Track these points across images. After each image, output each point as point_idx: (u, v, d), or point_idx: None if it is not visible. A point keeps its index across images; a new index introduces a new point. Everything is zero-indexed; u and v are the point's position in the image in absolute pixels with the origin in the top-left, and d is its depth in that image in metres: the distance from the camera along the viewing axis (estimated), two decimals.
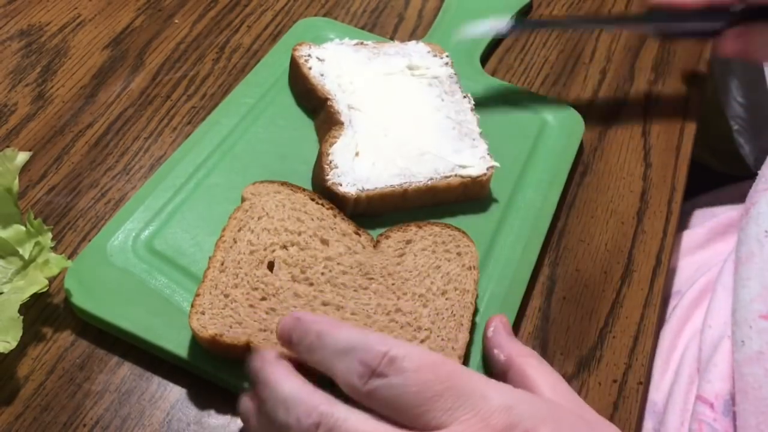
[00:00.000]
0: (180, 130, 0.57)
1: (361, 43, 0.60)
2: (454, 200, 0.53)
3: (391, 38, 0.67)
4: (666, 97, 0.66)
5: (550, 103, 0.62)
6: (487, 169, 0.53)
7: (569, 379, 0.48)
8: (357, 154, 0.52)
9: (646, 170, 0.60)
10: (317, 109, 0.56)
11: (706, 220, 0.63)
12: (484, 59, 0.66)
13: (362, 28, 0.67)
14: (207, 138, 0.54)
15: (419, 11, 0.70)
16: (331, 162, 0.51)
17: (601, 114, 0.64)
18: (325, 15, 0.68)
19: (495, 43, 0.68)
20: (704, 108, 0.67)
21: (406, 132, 0.54)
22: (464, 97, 0.57)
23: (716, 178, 0.71)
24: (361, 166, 0.52)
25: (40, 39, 0.62)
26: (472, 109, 0.56)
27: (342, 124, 0.53)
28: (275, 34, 0.66)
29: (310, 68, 0.57)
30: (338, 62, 0.58)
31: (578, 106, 0.63)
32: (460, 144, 0.54)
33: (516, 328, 0.49)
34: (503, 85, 0.63)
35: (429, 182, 0.52)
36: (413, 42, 0.61)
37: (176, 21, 0.65)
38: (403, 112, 0.55)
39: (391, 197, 0.51)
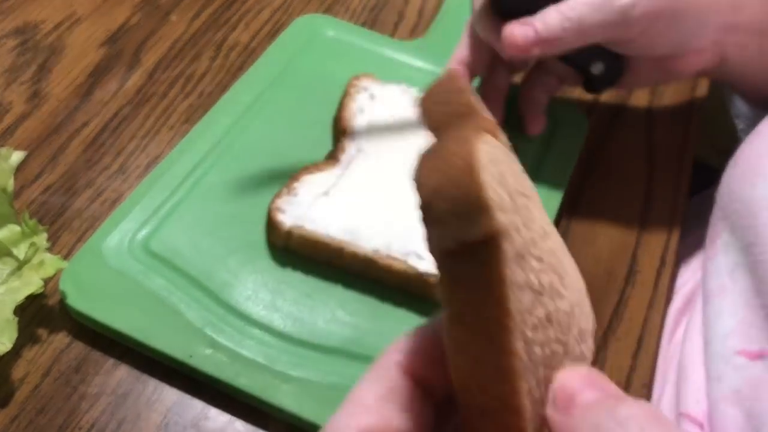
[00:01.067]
0: (177, 128, 0.57)
1: None
2: (397, 286, 0.47)
3: (391, 36, 0.66)
4: (669, 96, 0.65)
5: (553, 103, 0.61)
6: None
7: None
8: (326, 193, 0.49)
9: (650, 170, 0.59)
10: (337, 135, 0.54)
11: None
12: None
13: (362, 25, 0.67)
14: (204, 137, 0.54)
15: (419, 9, 0.69)
16: (293, 188, 0.49)
17: (604, 114, 0.63)
18: (324, 12, 0.67)
19: None
20: (708, 107, 0.66)
21: (396, 196, 0.47)
22: None
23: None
24: (320, 206, 0.48)
25: (35, 37, 0.61)
26: None
27: (338, 162, 0.51)
28: (273, 31, 0.65)
29: (354, 101, 0.55)
30: (386, 103, 0.55)
31: (581, 106, 0.63)
32: None
33: None
34: None
35: (370, 254, 0.46)
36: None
37: (173, 18, 0.65)
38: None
39: (325, 250, 0.47)
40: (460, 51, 0.55)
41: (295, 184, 0.49)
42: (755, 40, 0.51)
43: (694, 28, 0.49)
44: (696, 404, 0.44)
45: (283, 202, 0.48)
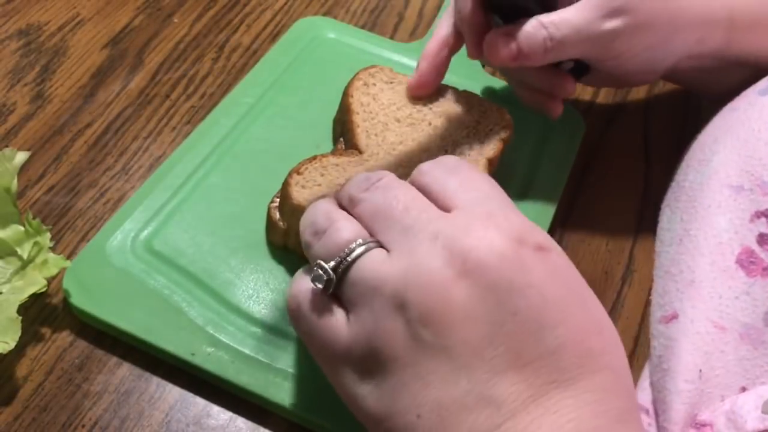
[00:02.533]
0: (179, 129, 0.57)
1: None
2: None
3: (391, 38, 0.67)
4: (666, 95, 0.66)
5: None
6: None
7: None
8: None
9: (647, 169, 0.59)
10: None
11: None
12: None
13: (362, 27, 0.67)
14: (206, 138, 0.54)
15: (419, 11, 0.70)
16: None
17: (601, 113, 0.64)
18: (324, 14, 0.68)
19: None
20: (705, 106, 0.67)
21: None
22: None
23: None
24: None
25: (38, 38, 0.62)
26: None
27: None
28: (275, 33, 0.66)
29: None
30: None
31: (578, 106, 0.63)
32: None
33: None
34: (504, 85, 0.63)
35: None
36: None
37: (175, 20, 0.65)
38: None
39: None
40: (442, 30, 0.55)
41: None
42: (713, 63, 0.54)
43: (661, 56, 0.52)
44: (642, 391, 0.45)
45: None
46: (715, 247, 0.44)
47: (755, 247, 0.42)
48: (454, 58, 0.60)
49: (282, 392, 0.43)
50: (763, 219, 0.43)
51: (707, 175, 0.47)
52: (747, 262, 0.42)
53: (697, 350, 0.41)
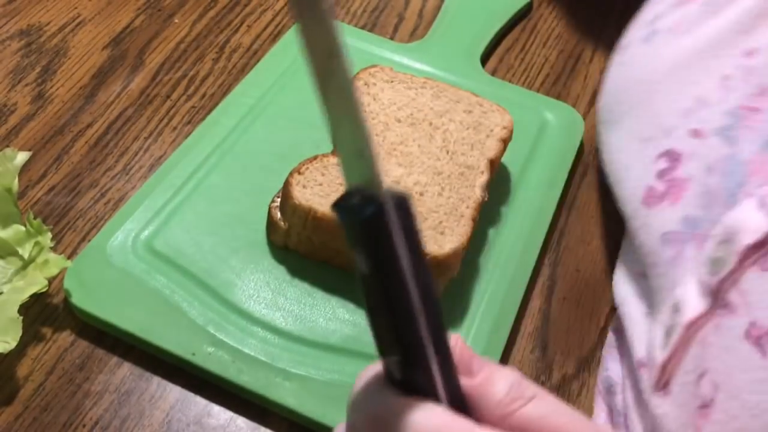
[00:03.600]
0: (180, 129, 0.57)
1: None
2: None
3: (391, 38, 0.67)
4: None
5: (550, 103, 0.62)
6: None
7: (569, 379, 0.48)
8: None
9: None
10: None
11: None
12: (485, 59, 0.66)
13: (362, 27, 0.67)
14: (207, 138, 0.54)
15: (419, 11, 0.70)
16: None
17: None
18: None
19: (495, 43, 0.68)
20: None
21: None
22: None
23: None
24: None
25: (39, 39, 0.62)
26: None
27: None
28: (275, 33, 0.66)
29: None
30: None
31: (578, 106, 0.63)
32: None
33: (516, 328, 0.49)
34: (503, 85, 0.63)
35: None
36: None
37: (176, 21, 0.65)
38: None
39: (324, 250, 0.48)
40: None
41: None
42: None
43: None
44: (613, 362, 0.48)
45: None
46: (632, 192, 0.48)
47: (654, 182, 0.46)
48: (454, 58, 0.61)
49: (282, 392, 0.43)
50: (663, 158, 0.46)
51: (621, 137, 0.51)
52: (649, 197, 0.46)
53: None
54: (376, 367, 0.29)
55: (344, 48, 0.23)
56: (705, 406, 0.37)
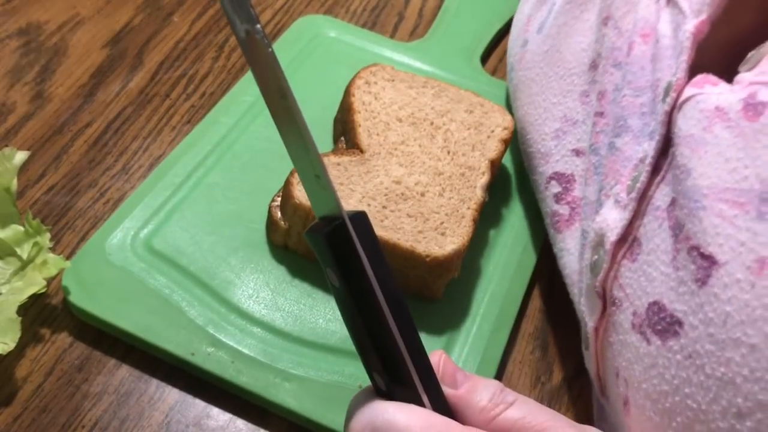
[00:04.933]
0: (179, 128, 0.57)
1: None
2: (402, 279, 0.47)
3: (391, 37, 0.66)
4: None
5: None
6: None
7: (569, 380, 0.47)
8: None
9: None
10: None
11: None
12: (484, 58, 0.65)
13: (362, 26, 0.67)
14: (206, 137, 0.54)
15: (419, 10, 0.70)
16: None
17: None
18: (325, 13, 0.68)
19: (495, 43, 0.67)
20: None
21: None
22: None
23: None
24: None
25: (38, 38, 0.62)
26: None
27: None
28: (275, 32, 0.65)
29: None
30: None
31: None
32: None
33: (516, 328, 0.49)
34: (503, 85, 0.62)
35: None
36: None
37: (175, 19, 0.65)
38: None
39: None
40: None
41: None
42: None
43: None
44: None
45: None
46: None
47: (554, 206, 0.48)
48: (454, 57, 0.61)
49: (282, 393, 0.43)
50: (553, 181, 0.48)
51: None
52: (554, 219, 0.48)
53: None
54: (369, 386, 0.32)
55: (290, 89, 0.27)
56: (625, 402, 0.38)
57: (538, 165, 0.50)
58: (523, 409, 0.31)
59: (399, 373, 0.30)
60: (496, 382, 0.32)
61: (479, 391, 0.31)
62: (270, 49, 0.26)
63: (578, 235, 0.45)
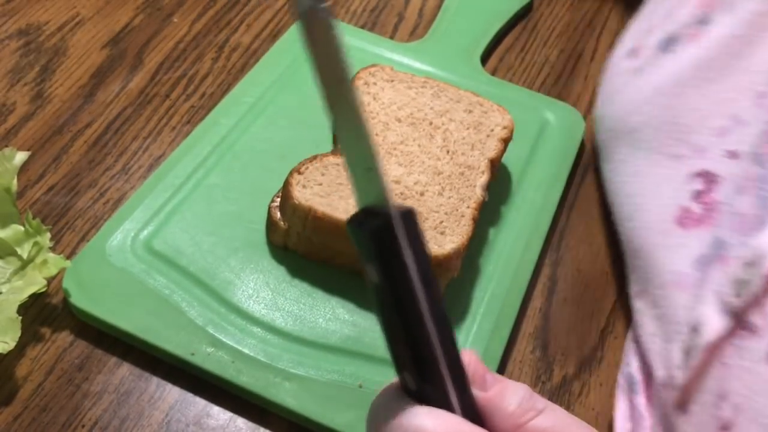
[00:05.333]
0: (179, 129, 0.57)
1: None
2: None
3: (391, 37, 0.67)
4: None
5: (551, 102, 0.62)
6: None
7: (570, 379, 0.48)
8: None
9: None
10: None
11: None
12: (484, 58, 0.65)
13: (362, 27, 0.67)
14: (206, 137, 0.54)
15: (419, 10, 0.70)
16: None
17: None
18: None
19: (495, 43, 0.67)
20: None
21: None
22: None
23: None
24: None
25: (38, 38, 0.62)
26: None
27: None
28: (275, 33, 0.66)
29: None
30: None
31: (579, 106, 0.63)
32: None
33: (516, 328, 0.49)
34: (503, 85, 0.63)
35: None
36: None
37: (175, 20, 0.65)
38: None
39: (323, 250, 0.48)
40: None
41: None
42: None
43: None
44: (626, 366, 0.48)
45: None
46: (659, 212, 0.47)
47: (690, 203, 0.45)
48: (454, 58, 0.61)
49: (282, 392, 0.43)
50: (698, 179, 0.46)
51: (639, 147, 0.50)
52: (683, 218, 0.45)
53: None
54: (395, 381, 0.30)
55: (352, 73, 0.25)
56: (725, 428, 0.37)
57: (683, 157, 0.47)
58: (552, 417, 0.30)
59: (431, 375, 0.29)
60: (525, 386, 0.31)
61: (508, 396, 0.31)
62: (334, 31, 0.25)
63: (708, 238, 0.43)
